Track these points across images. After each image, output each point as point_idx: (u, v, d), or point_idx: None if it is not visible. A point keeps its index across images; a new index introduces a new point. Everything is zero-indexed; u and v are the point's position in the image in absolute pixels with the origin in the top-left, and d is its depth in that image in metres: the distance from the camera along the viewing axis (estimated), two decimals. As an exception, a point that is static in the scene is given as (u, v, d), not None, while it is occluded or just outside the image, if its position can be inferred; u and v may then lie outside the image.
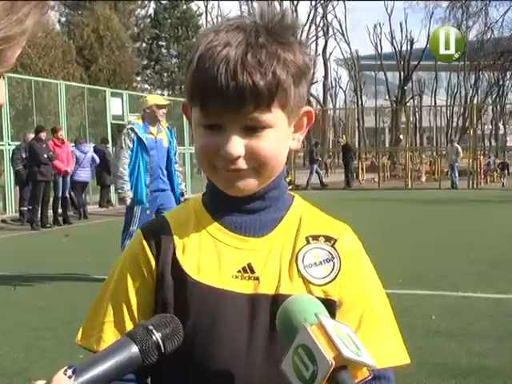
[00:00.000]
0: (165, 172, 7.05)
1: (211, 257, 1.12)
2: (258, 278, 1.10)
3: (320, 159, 28.20)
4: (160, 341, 0.93)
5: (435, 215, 14.72)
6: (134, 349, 0.91)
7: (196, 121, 1.10)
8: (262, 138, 1.07)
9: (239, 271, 1.11)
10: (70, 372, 0.85)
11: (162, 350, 0.93)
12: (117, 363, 0.89)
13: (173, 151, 7.13)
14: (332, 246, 1.14)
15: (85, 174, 15.69)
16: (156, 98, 7.35)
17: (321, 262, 1.12)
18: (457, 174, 25.13)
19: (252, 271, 1.11)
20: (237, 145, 1.05)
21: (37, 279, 7.87)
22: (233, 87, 1.02)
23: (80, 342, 1.17)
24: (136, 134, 6.87)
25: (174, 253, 1.13)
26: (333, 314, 1.09)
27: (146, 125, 6.94)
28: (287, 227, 1.15)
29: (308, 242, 1.14)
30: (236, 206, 1.14)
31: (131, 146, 6.85)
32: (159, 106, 6.93)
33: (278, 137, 1.08)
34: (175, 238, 1.15)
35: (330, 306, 1.08)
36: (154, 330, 0.93)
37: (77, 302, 6.45)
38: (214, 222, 1.15)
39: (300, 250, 1.13)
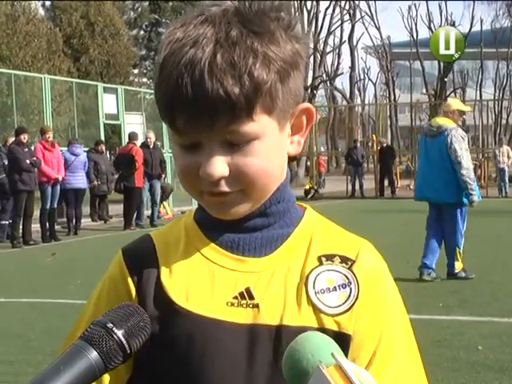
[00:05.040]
0: None
1: (203, 281, 1.10)
2: (257, 306, 1.07)
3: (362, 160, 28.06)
4: (123, 339, 0.89)
5: (481, 228, 14.59)
6: (93, 354, 0.88)
7: (171, 138, 1.08)
8: (248, 152, 1.03)
9: (235, 297, 1.08)
10: None
11: (128, 351, 0.90)
12: (74, 374, 0.86)
13: None
14: (349, 268, 1.10)
15: (77, 181, 15.57)
16: (459, 104, 8.32)
17: (335, 288, 1.09)
18: (507, 179, 25.17)
19: (251, 297, 1.08)
20: (217, 164, 1.03)
21: (17, 305, 7.88)
22: (200, 99, 0.98)
23: None
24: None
25: (159, 277, 1.11)
26: (346, 352, 1.05)
27: None
28: (295, 245, 1.12)
29: (320, 263, 1.10)
30: (232, 225, 1.11)
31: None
32: (462, 113, 8.07)
33: (268, 148, 1.05)
34: (160, 259, 1.13)
35: (344, 342, 1.05)
36: (114, 328, 0.90)
37: (62, 331, 6.43)
38: (207, 240, 1.13)
39: (311, 272, 1.09)
